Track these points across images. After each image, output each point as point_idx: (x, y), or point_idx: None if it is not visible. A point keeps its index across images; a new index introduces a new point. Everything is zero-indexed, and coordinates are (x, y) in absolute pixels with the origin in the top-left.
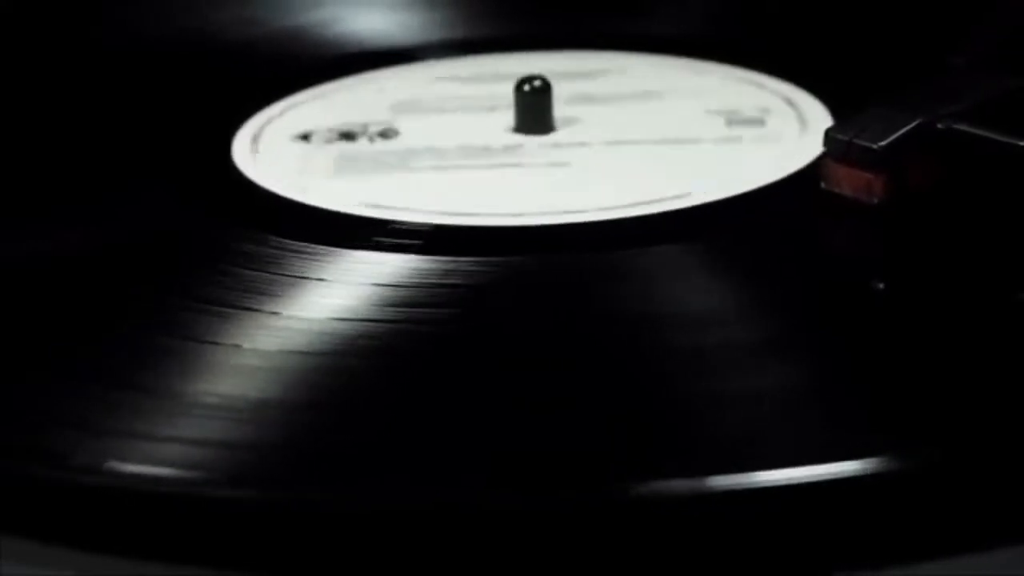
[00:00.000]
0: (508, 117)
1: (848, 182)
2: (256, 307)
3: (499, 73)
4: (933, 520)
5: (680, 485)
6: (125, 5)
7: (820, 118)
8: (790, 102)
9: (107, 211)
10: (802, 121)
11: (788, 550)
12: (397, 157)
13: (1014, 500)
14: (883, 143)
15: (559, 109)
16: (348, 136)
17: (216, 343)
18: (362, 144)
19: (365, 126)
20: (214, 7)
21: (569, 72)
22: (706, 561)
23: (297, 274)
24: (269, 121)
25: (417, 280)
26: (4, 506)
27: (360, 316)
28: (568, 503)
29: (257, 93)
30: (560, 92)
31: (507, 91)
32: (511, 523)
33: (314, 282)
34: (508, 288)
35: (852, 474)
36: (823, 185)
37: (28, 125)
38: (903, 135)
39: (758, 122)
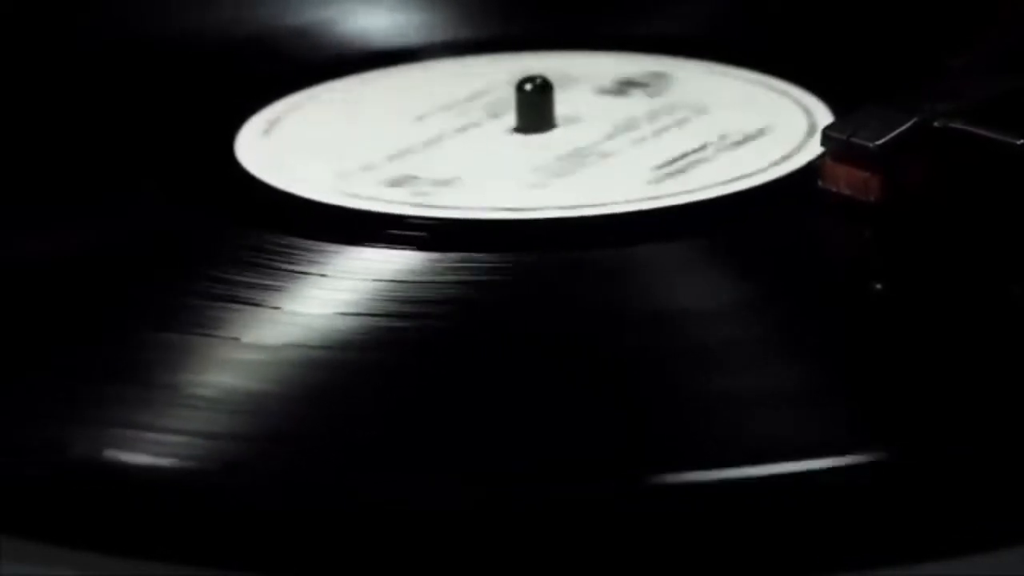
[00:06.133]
0: (508, 118)
1: (845, 180)
2: (258, 302)
3: (495, 73)
4: (933, 519)
5: (682, 481)
6: (125, 4)
7: (825, 117)
8: (796, 101)
9: (107, 211)
10: (809, 120)
11: (788, 548)
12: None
13: (1014, 500)
14: (880, 142)
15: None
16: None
17: (216, 336)
18: (422, 184)
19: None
20: (213, 6)
21: (564, 72)
22: (706, 557)
23: (299, 270)
24: (272, 121)
25: (420, 276)
26: (4, 506)
27: (363, 311)
28: (569, 500)
29: (257, 92)
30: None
31: (503, 91)
32: (513, 521)
33: (316, 277)
34: (511, 284)
35: (851, 471)
36: (820, 183)
37: (28, 125)
38: (900, 134)
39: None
